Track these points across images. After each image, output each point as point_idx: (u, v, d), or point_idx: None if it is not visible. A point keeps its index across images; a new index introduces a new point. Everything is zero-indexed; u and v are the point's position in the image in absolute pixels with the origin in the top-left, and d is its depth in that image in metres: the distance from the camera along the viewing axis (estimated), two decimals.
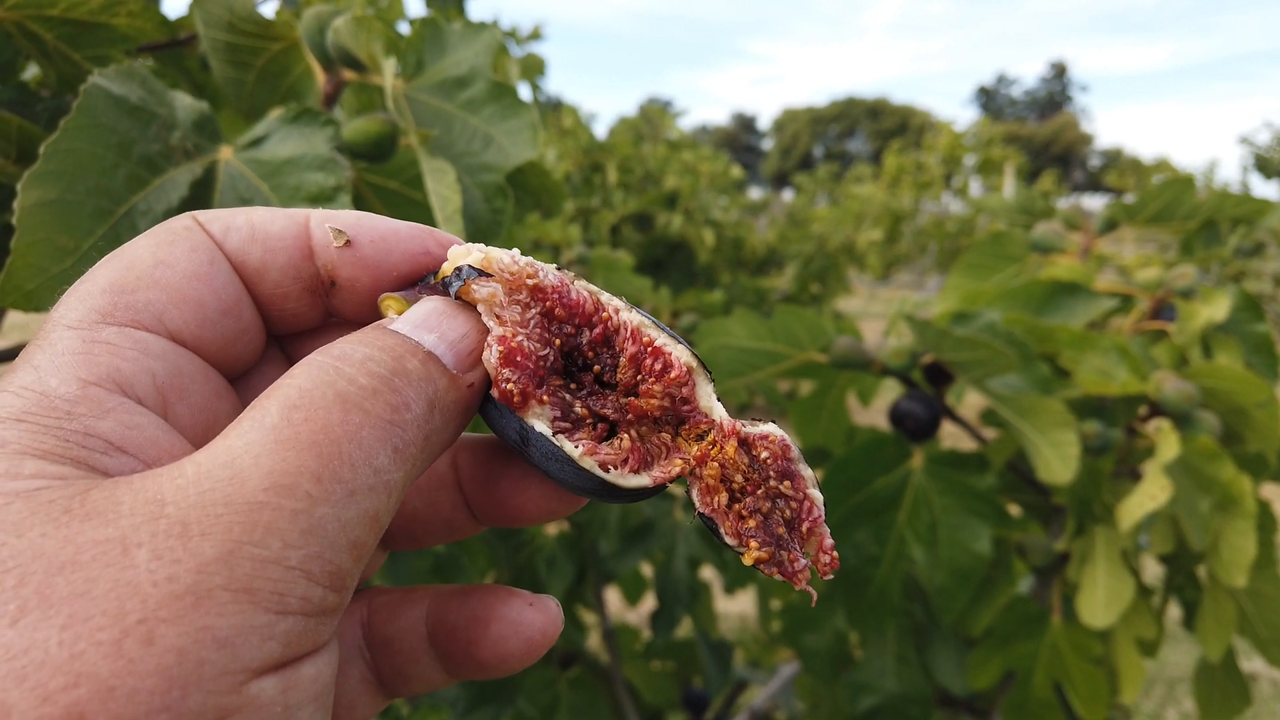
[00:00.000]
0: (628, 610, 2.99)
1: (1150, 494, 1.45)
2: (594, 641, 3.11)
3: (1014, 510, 2.02)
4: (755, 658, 3.24)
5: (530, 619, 0.48)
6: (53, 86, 1.13)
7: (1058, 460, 1.53)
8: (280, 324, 0.49)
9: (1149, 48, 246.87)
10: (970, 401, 2.22)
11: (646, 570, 2.81)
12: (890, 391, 2.26)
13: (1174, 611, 3.10)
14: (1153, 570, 2.00)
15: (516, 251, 0.47)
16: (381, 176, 1.23)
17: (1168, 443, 1.49)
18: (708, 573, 3.06)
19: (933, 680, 1.96)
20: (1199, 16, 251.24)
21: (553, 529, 2.49)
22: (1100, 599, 1.59)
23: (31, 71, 1.22)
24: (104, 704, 0.30)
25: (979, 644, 1.83)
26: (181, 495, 0.34)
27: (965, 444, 1.92)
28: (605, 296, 0.48)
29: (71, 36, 1.08)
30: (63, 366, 0.39)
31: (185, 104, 1.01)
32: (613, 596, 3.90)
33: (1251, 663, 4.53)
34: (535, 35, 3.93)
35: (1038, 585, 1.91)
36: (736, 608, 5.22)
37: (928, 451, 1.73)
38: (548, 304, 0.46)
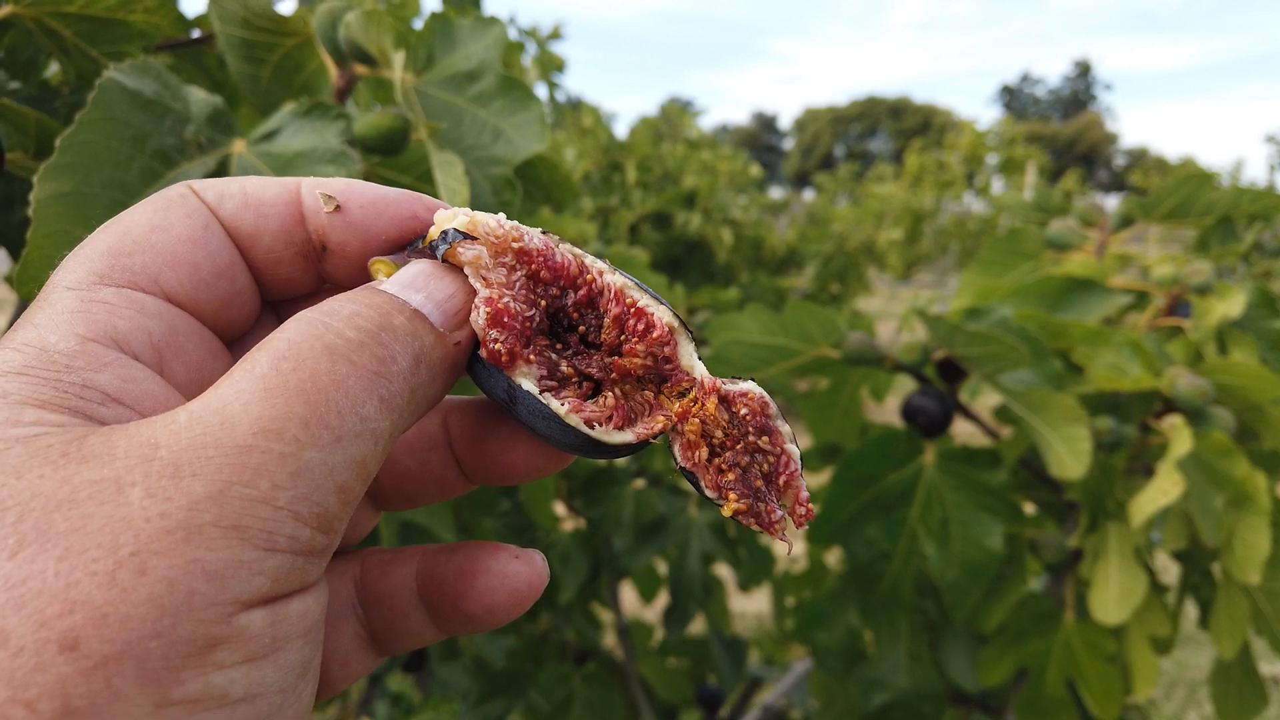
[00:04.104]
0: (643, 608, 2.99)
1: (1162, 489, 1.45)
2: (609, 638, 3.12)
3: (1028, 507, 2.01)
4: (770, 655, 3.24)
5: (516, 571, 0.50)
6: (72, 83, 1.15)
7: (1070, 456, 1.52)
8: (274, 289, 0.50)
9: (1176, 46, 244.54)
10: (984, 398, 2.21)
11: (661, 567, 2.82)
12: (904, 388, 2.25)
13: (1194, 615, 3.07)
14: (1173, 572, 1.99)
15: (502, 215, 0.48)
16: (394, 170, 1.24)
17: (1181, 438, 1.48)
18: (722, 570, 3.06)
19: (945, 677, 1.96)
20: (1227, 15, 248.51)
21: (568, 525, 2.50)
22: (1113, 595, 1.59)
23: (53, 69, 1.24)
24: (98, 629, 0.32)
25: (992, 641, 1.82)
26: (174, 439, 0.36)
27: (979, 440, 1.91)
28: (590, 259, 0.50)
29: (89, 33, 1.09)
30: (61, 324, 0.41)
31: (199, 98, 1.02)
32: (628, 594, 3.91)
33: (1274, 666, 4.48)
34: (555, 35, 3.94)
35: (1051, 582, 1.90)
36: (753, 607, 5.22)
37: (940, 447, 1.73)
38: (533, 266, 0.48)
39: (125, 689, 0.32)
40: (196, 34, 1.22)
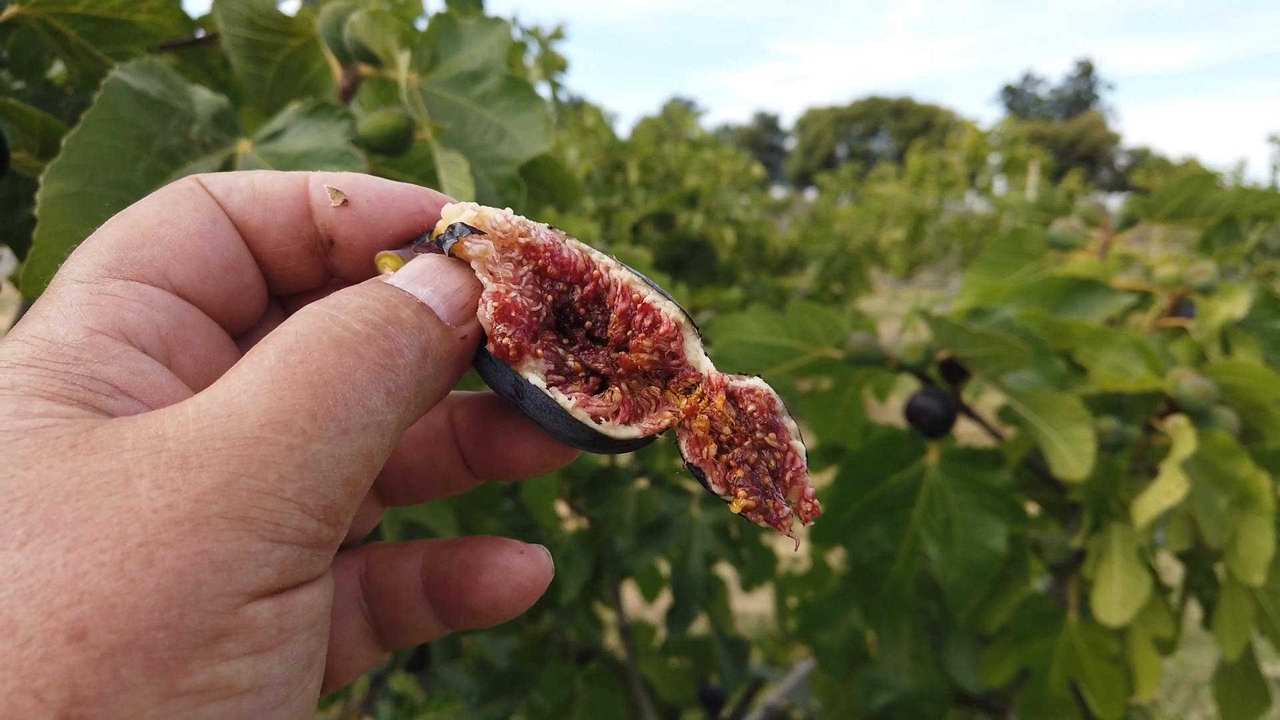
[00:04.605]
0: (645, 608, 2.99)
1: (1166, 490, 1.45)
2: (611, 638, 3.12)
3: (1031, 508, 2.01)
4: (772, 655, 3.24)
5: (520, 566, 0.50)
6: (76, 83, 1.15)
7: (1073, 456, 1.52)
8: (282, 283, 0.50)
9: (1178, 46, 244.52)
10: (988, 398, 2.21)
11: (663, 567, 2.82)
12: (907, 388, 2.25)
13: (1197, 615, 3.07)
14: (1176, 572, 1.99)
15: (509, 210, 0.48)
16: (399, 170, 1.24)
17: (1184, 439, 1.48)
18: (724, 570, 3.06)
19: (948, 678, 1.96)
20: (1231, 14, 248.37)
21: (570, 525, 2.50)
22: (1116, 596, 1.59)
23: (57, 69, 1.25)
24: (105, 620, 0.32)
25: (994, 641, 1.82)
26: (182, 431, 0.36)
27: (982, 441, 1.91)
28: (596, 255, 0.50)
29: (94, 33, 1.10)
30: (70, 316, 0.41)
31: (204, 98, 1.02)
32: (630, 594, 3.91)
33: (1277, 666, 4.48)
34: (557, 35, 3.95)
35: (1054, 583, 1.90)
36: (755, 607, 5.22)
37: (943, 448, 1.73)
38: (540, 262, 0.48)
39: (133, 679, 0.32)
40: (200, 34, 1.23)
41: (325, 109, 1.02)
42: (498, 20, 1.15)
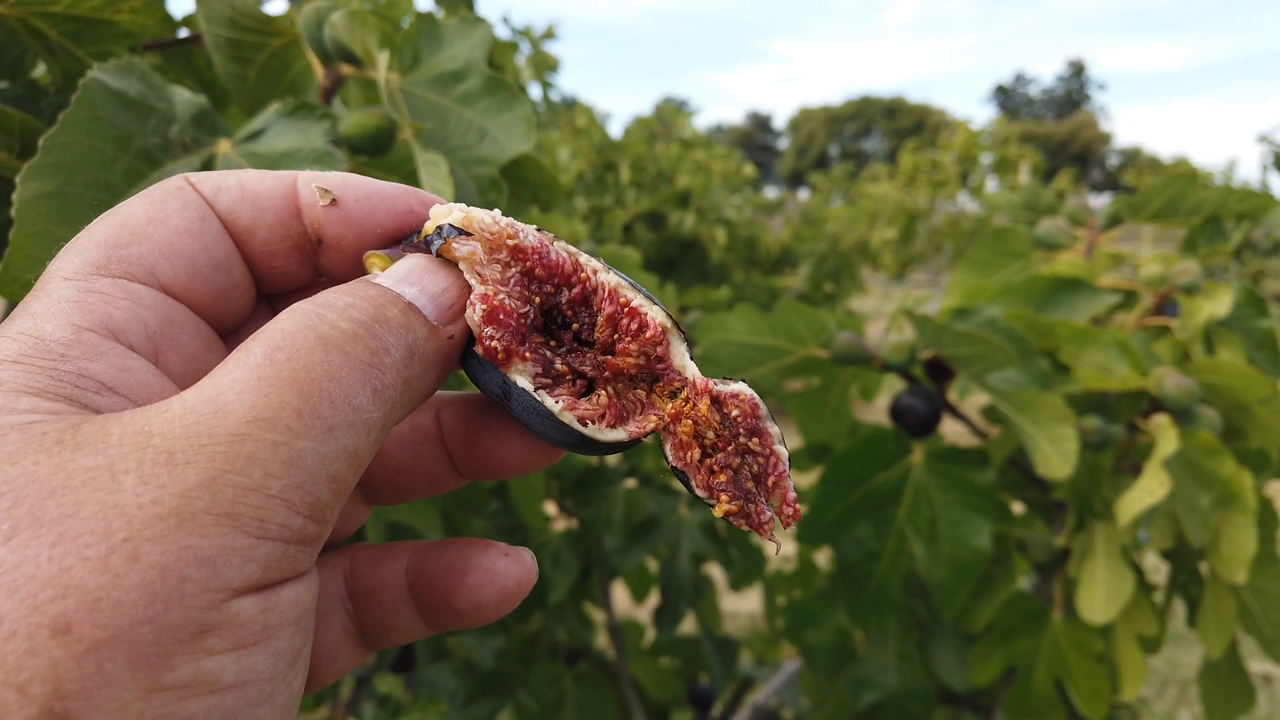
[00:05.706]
0: (635, 608, 2.99)
1: (1148, 489, 1.45)
2: (601, 638, 3.12)
3: (1016, 506, 2.01)
4: (761, 654, 3.24)
5: (505, 568, 0.50)
6: (58, 83, 1.15)
7: (1056, 455, 1.53)
8: (270, 282, 0.51)
9: (1172, 46, 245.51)
10: (973, 398, 2.21)
11: (653, 566, 2.82)
12: (894, 387, 2.26)
13: (1185, 613, 3.08)
14: (1164, 571, 1.99)
15: (498, 212, 0.48)
16: (381, 171, 1.24)
17: (1167, 438, 1.49)
18: (714, 570, 3.06)
19: (934, 676, 1.96)
20: (1224, 15, 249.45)
21: (559, 525, 2.50)
22: (1100, 595, 1.59)
23: (42, 69, 1.24)
24: (90, 614, 0.32)
25: (980, 640, 1.83)
26: (168, 427, 0.36)
27: (967, 440, 1.92)
28: (584, 258, 0.50)
29: (75, 33, 1.09)
30: (58, 313, 0.41)
31: (184, 98, 1.02)
32: (620, 594, 3.91)
33: (1263, 664, 4.50)
34: (549, 35, 3.95)
35: (1039, 582, 1.91)
36: (745, 607, 5.23)
37: (928, 447, 1.73)
38: (528, 264, 0.48)
39: (117, 673, 0.32)
40: (185, 34, 1.22)
41: (305, 109, 1.02)
42: (479, 20, 1.15)
